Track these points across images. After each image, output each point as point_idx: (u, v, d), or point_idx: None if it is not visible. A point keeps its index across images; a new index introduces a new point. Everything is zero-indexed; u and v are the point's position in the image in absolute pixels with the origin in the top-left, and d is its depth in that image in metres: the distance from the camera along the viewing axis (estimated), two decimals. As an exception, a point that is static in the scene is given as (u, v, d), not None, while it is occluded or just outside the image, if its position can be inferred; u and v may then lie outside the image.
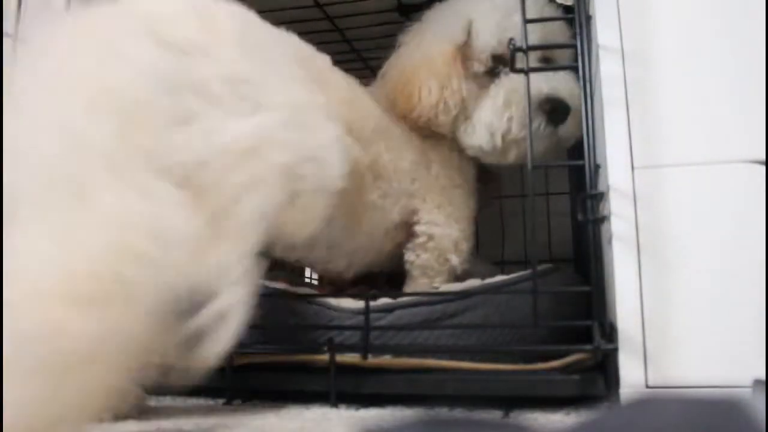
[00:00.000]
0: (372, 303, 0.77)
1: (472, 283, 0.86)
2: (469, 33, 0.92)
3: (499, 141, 0.90)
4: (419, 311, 0.78)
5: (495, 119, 0.90)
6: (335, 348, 0.72)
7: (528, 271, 0.84)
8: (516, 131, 0.89)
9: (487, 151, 0.93)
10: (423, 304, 0.79)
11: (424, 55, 0.92)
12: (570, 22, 0.77)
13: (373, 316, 0.77)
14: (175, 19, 0.54)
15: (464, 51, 0.92)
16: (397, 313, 0.78)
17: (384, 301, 0.80)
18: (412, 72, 0.93)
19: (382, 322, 0.77)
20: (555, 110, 0.86)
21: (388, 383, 0.72)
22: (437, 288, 0.89)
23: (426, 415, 0.63)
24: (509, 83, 0.89)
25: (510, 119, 0.89)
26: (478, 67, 0.91)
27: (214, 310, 0.45)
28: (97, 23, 0.54)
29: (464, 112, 0.92)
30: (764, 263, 0.60)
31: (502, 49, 0.87)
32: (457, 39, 0.92)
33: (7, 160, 0.43)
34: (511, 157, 0.93)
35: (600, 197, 0.68)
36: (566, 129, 0.89)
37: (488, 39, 0.90)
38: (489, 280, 0.85)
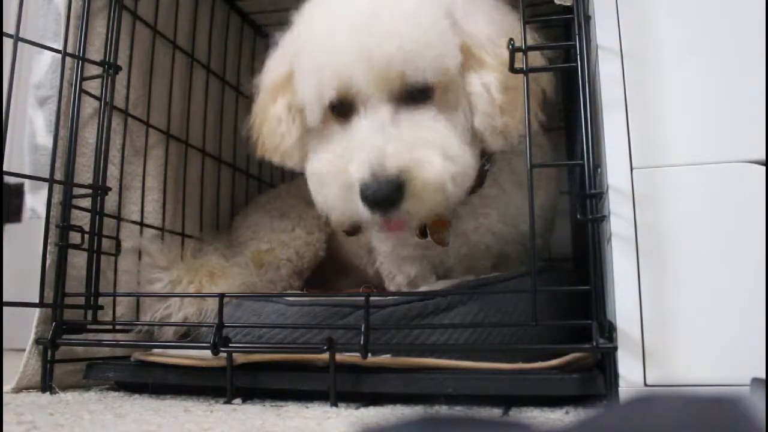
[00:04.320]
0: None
1: (467, 278, 0.86)
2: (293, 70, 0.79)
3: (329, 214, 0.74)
4: (413, 306, 0.79)
5: (316, 196, 0.74)
6: (335, 347, 0.72)
7: (522, 268, 0.85)
8: (338, 212, 0.72)
9: None
10: (415, 300, 0.79)
11: (261, 95, 0.84)
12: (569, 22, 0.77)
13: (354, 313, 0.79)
14: None
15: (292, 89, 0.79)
16: (390, 309, 0.79)
17: (377, 298, 0.81)
18: (254, 115, 0.86)
19: (377, 318, 0.78)
20: (371, 203, 0.67)
21: (387, 382, 0.72)
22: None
23: (426, 413, 0.63)
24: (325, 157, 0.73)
25: (330, 203, 0.72)
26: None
27: None
28: None
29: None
30: (764, 263, 0.61)
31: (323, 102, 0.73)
32: (283, 74, 0.81)
33: None
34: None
35: (599, 197, 0.68)
36: (415, 208, 0.68)
37: (307, 93, 0.75)
38: (483, 276, 0.85)
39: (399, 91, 0.70)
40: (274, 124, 0.81)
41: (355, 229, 0.87)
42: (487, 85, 0.72)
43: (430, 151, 0.67)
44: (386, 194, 0.66)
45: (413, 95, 0.70)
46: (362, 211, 0.69)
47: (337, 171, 0.70)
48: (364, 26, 0.69)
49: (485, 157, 0.82)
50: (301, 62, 0.76)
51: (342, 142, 0.72)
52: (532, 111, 0.71)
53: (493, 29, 0.74)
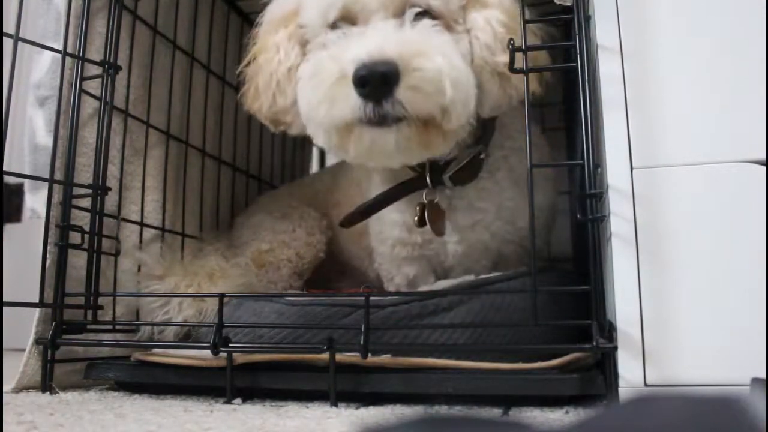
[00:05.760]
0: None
1: (467, 278, 0.86)
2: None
3: (314, 128, 0.73)
4: (412, 306, 0.79)
5: (303, 100, 0.73)
6: (335, 347, 0.72)
7: (522, 269, 0.85)
8: (324, 112, 0.69)
9: (323, 146, 0.76)
10: (415, 300, 0.79)
11: (262, 29, 0.84)
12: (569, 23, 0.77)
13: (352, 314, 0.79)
14: None
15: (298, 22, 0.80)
16: (390, 309, 0.79)
17: (377, 298, 0.81)
18: (253, 69, 0.84)
19: (377, 318, 0.78)
20: (364, 82, 0.64)
21: (387, 382, 0.72)
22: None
23: (426, 413, 0.63)
24: (321, 53, 0.72)
25: (318, 99, 0.69)
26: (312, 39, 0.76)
27: None
28: None
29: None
30: (764, 263, 0.60)
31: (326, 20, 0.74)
32: (288, 9, 0.82)
33: None
34: (353, 153, 0.73)
35: (599, 197, 0.68)
36: (411, 102, 0.66)
37: (312, 13, 0.76)
38: (483, 276, 0.85)
39: (402, 10, 0.70)
40: (271, 54, 0.80)
41: (353, 219, 0.88)
42: (489, 20, 0.73)
43: (432, 50, 0.66)
44: (381, 72, 0.63)
45: (418, 18, 0.71)
46: (353, 104, 0.66)
47: (331, 63, 0.68)
48: None
49: (480, 144, 0.84)
50: None
51: (340, 43, 0.71)
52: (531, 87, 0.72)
53: None
